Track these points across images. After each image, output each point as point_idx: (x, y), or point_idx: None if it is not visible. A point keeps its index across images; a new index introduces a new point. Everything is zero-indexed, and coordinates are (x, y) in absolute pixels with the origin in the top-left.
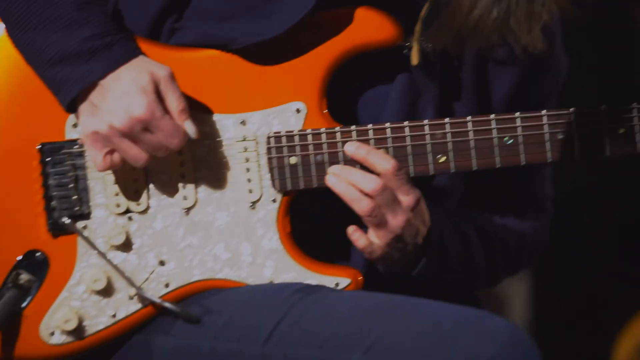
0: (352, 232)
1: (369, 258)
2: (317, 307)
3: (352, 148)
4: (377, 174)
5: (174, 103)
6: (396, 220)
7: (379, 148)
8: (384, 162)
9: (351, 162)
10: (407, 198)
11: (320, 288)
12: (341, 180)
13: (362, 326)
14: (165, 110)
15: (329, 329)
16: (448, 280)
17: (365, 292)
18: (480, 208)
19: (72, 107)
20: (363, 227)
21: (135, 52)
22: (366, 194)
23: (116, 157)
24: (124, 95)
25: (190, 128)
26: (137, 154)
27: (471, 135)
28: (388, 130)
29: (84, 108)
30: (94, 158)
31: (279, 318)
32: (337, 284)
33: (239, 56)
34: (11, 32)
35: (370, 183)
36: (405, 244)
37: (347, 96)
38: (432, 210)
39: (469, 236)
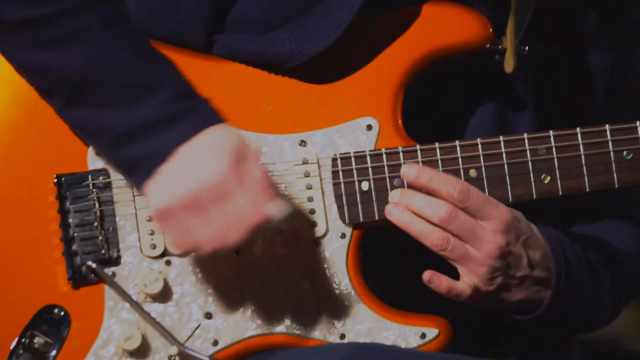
0: (429, 278)
1: (462, 301)
2: None
3: (413, 173)
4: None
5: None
6: (482, 251)
7: (470, 168)
8: (447, 186)
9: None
10: (490, 222)
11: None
12: (403, 211)
13: None
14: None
15: None
16: (576, 324)
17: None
18: (591, 231)
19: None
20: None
21: (220, 117)
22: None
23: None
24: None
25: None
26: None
27: (582, 149)
28: (479, 147)
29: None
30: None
31: None
32: (423, 335)
33: (294, 71)
34: (61, 112)
35: (436, 211)
36: (510, 277)
37: (424, 111)
38: (550, 233)
39: (593, 263)
